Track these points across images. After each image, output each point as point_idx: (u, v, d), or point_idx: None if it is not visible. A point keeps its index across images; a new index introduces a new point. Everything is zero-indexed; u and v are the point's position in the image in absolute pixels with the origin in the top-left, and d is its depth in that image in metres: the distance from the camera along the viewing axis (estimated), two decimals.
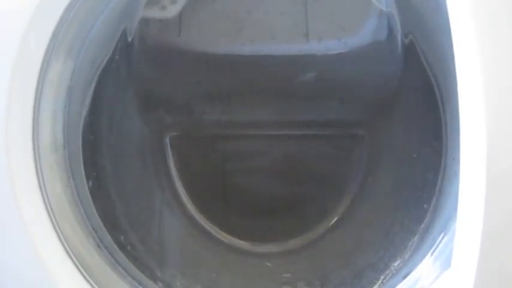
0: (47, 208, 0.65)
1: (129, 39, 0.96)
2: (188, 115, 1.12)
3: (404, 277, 0.73)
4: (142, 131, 1.06)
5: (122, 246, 0.79)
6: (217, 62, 1.08)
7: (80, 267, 0.66)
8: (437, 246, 0.71)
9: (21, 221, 0.62)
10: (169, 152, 1.09)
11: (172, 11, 1.05)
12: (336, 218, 1.06)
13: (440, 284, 0.65)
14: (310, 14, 1.08)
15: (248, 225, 1.07)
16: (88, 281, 0.66)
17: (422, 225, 0.81)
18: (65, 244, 0.66)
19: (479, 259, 0.52)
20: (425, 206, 0.81)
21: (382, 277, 0.81)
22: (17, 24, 0.61)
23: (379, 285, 0.80)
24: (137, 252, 0.82)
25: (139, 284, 0.75)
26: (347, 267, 0.92)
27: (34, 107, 0.64)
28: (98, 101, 0.82)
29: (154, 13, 1.04)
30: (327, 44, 1.08)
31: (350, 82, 1.07)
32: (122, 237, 0.81)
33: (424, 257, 0.72)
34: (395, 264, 0.80)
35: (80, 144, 0.77)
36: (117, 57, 0.88)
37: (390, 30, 1.02)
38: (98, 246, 0.73)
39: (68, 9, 0.64)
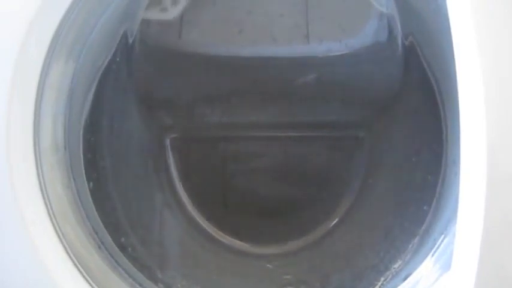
0: (47, 209, 0.65)
1: (130, 41, 0.96)
2: (189, 117, 1.12)
3: (405, 279, 0.73)
4: (143, 133, 1.06)
5: (122, 248, 0.79)
6: (217, 64, 1.08)
7: (81, 268, 0.66)
8: (438, 247, 0.71)
9: (22, 222, 0.62)
10: (169, 153, 1.09)
11: (173, 12, 1.05)
12: (336, 220, 1.06)
13: (441, 285, 0.65)
14: (310, 15, 1.09)
15: (249, 227, 1.07)
16: (88, 282, 0.66)
17: (423, 227, 0.81)
18: (66, 245, 0.66)
19: (479, 261, 0.52)
20: (425, 207, 0.81)
21: (382, 278, 0.81)
22: (18, 26, 0.61)
23: (380, 286, 0.80)
24: (138, 254, 0.82)
25: (140, 285, 0.75)
26: (347, 269, 0.92)
27: (35, 108, 0.64)
28: (99, 103, 0.82)
29: (155, 15, 1.04)
30: (327, 45, 1.09)
31: (350, 84, 1.07)
32: (123, 239, 0.81)
33: (424, 258, 0.72)
34: (396, 265, 0.80)
35: (81, 146, 0.77)
36: (118, 59, 0.89)
37: (391, 32, 1.02)
38: (99, 247, 0.73)
39: (68, 11, 0.64)
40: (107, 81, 0.84)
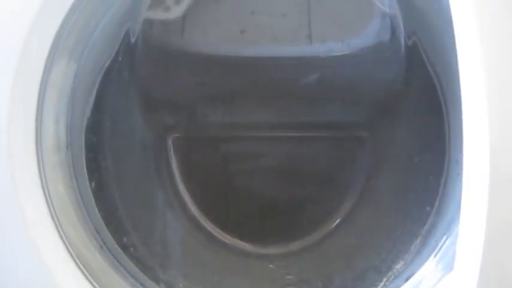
0: (49, 209, 0.65)
1: (132, 40, 0.96)
2: (191, 117, 1.12)
3: (407, 279, 0.73)
4: (145, 133, 1.06)
5: (124, 248, 0.79)
6: (220, 64, 1.08)
7: (83, 268, 0.66)
8: (440, 248, 0.71)
9: (24, 222, 0.62)
10: (171, 153, 1.09)
11: (176, 12, 1.05)
12: (338, 220, 1.06)
13: (443, 286, 0.65)
14: (313, 15, 1.08)
15: (251, 227, 1.07)
16: (90, 282, 0.66)
17: (425, 228, 0.80)
18: (68, 245, 0.66)
19: (482, 262, 0.52)
20: (427, 208, 0.81)
21: (384, 279, 0.80)
22: (19, 26, 0.61)
23: (382, 287, 0.80)
24: (140, 254, 0.82)
25: (142, 285, 0.75)
26: (349, 269, 0.92)
27: (37, 108, 0.64)
28: (101, 103, 0.82)
29: (158, 14, 1.04)
30: (330, 45, 1.08)
31: (353, 84, 1.07)
32: (125, 239, 0.81)
33: (426, 259, 0.72)
34: (398, 266, 0.80)
35: (83, 146, 0.77)
36: (120, 58, 0.88)
37: (393, 32, 1.02)
38: (101, 247, 0.73)
39: (70, 11, 0.64)
40: (109, 81, 0.84)
